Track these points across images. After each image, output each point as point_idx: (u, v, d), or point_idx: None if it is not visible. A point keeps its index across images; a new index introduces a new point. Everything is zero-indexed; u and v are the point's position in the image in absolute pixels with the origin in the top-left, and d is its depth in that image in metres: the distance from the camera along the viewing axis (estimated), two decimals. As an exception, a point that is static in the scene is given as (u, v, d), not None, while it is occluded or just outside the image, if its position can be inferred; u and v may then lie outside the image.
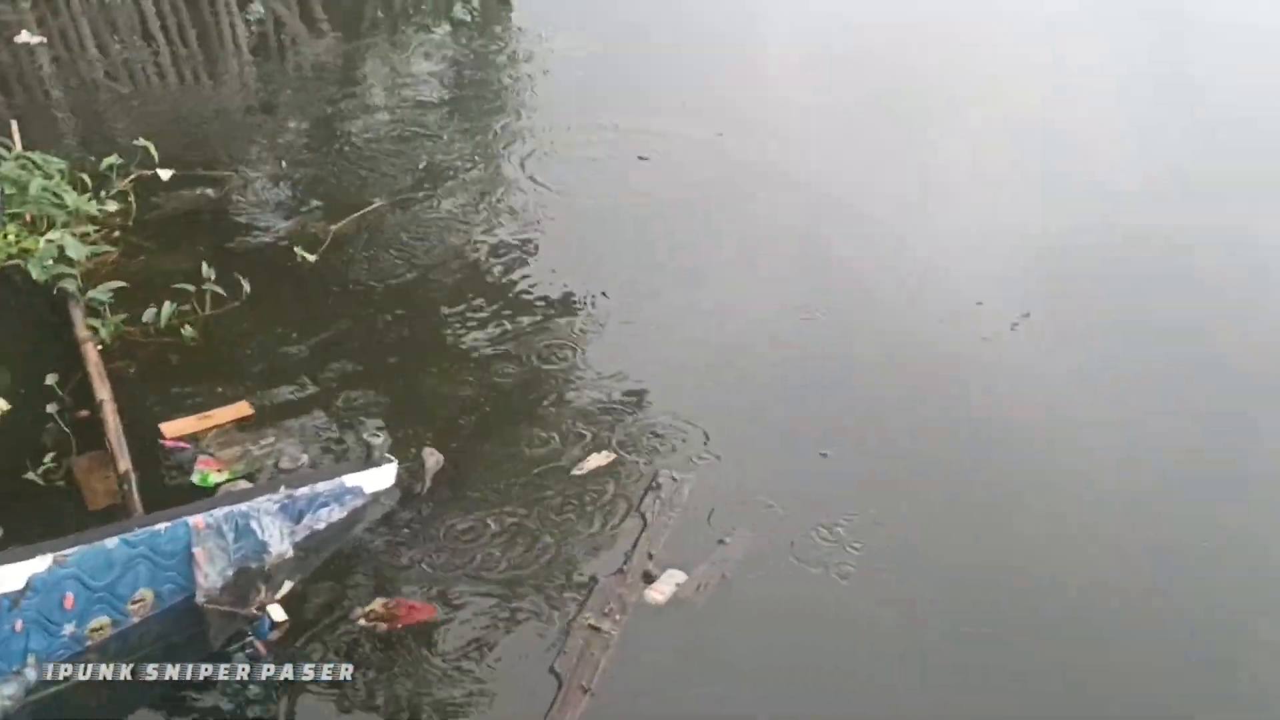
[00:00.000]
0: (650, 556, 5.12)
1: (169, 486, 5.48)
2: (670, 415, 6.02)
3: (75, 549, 4.37)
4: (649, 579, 5.02)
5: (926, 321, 6.97)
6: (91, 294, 6.46)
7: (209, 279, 6.56)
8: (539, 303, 6.93)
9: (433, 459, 5.55)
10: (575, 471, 5.60)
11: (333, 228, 7.52)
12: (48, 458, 5.48)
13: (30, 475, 5.39)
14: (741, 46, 11.08)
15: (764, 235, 7.85)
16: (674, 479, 5.56)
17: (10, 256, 6.70)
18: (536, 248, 7.50)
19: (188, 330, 6.44)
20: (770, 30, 11.52)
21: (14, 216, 7.00)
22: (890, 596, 5.07)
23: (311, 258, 7.18)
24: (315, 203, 7.86)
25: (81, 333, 6.23)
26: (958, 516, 5.53)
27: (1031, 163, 9.07)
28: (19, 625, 4.22)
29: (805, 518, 5.41)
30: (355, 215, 7.71)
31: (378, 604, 4.86)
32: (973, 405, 6.31)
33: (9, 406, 5.88)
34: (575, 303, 6.94)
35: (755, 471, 5.69)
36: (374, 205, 7.85)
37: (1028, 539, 5.46)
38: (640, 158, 8.65)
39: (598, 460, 5.64)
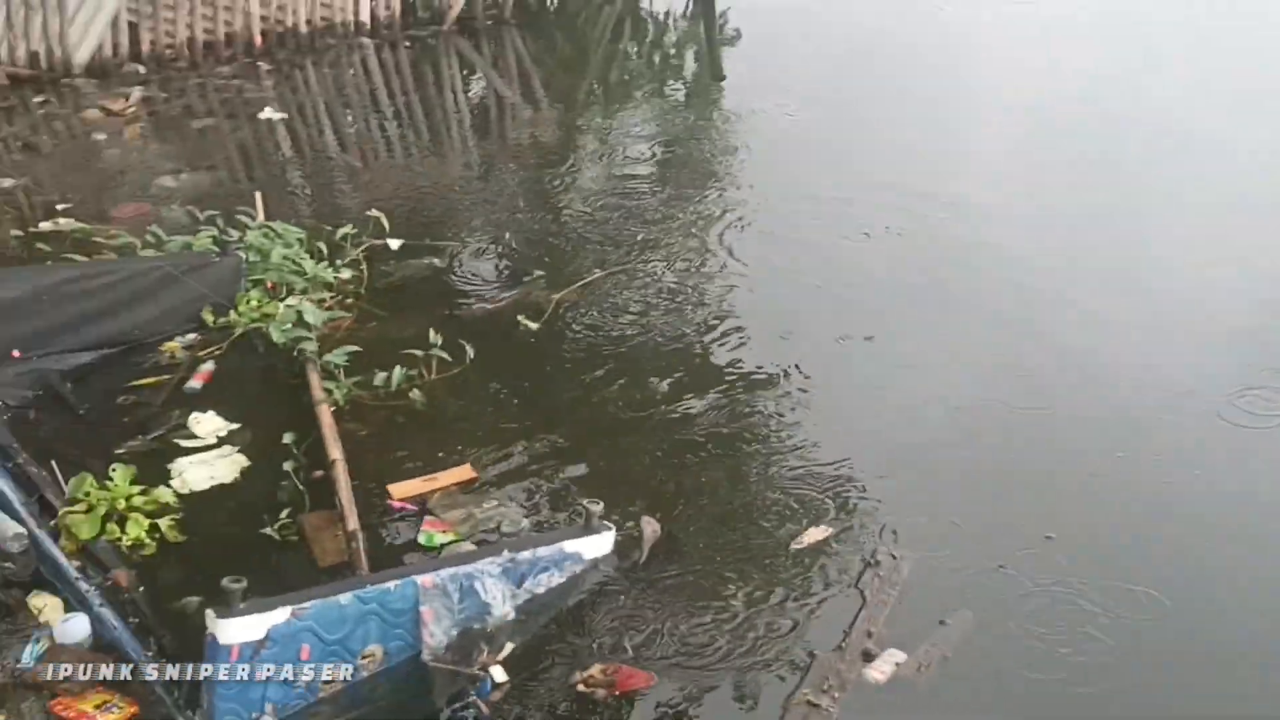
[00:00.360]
0: (869, 634, 5.07)
1: (394, 546, 5.66)
2: (886, 493, 5.97)
3: (312, 603, 4.52)
4: (868, 657, 4.96)
5: (1139, 407, 6.78)
6: (327, 358, 6.73)
7: (436, 345, 6.78)
8: (749, 376, 6.97)
9: (650, 528, 5.61)
10: (793, 545, 5.59)
11: (555, 297, 7.71)
12: (283, 513, 5.71)
13: (267, 530, 5.62)
14: (949, 121, 11.04)
15: (970, 314, 7.77)
16: (893, 556, 5.50)
17: (253, 321, 7.05)
18: (743, 320, 7.56)
19: (415, 394, 6.65)
20: (978, 105, 11.47)
21: (256, 283, 7.37)
22: (1116, 685, 4.92)
23: (535, 326, 7.36)
24: (538, 272, 8.06)
25: (317, 395, 6.49)
26: (1183, 605, 5.34)
27: (1244, 239, 8.80)
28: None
29: (1028, 602, 5.29)
30: (576, 285, 7.88)
31: (596, 669, 4.91)
32: (1193, 491, 6.11)
33: (249, 463, 6.15)
34: (785, 377, 6.95)
35: (976, 553, 5.59)
36: (593, 276, 8.02)
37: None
38: (864, 232, 8.64)
39: (815, 534, 5.62)
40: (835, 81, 12.05)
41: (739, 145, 10.53)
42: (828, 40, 13.21)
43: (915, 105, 11.49)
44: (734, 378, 6.94)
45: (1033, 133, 10.99)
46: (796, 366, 7.03)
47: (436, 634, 4.78)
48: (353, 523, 5.53)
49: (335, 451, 5.99)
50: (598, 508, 5.31)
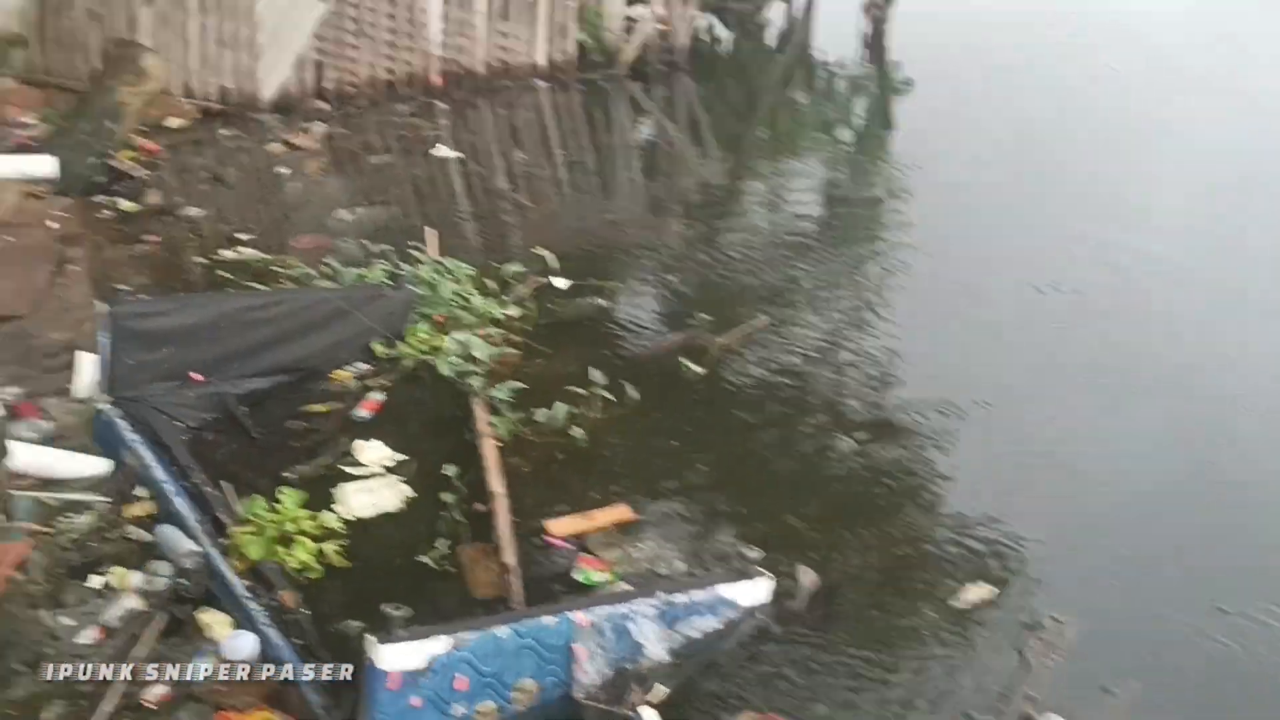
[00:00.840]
0: (1030, 699, 4.95)
1: (549, 582, 5.71)
2: (1050, 556, 5.85)
3: (471, 634, 4.59)
4: (1027, 722, 4.86)
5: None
6: (493, 392, 6.83)
7: (600, 385, 6.84)
8: (910, 430, 6.90)
9: (808, 578, 5.57)
10: (953, 603, 5.50)
11: (719, 341, 7.72)
12: (441, 544, 5.81)
13: (423, 558, 5.72)
14: (1128, 169, 10.80)
15: (1144, 382, 7.59)
16: (1057, 621, 5.37)
17: (422, 354, 7.20)
18: (905, 373, 7.49)
19: (577, 432, 6.72)
20: (1161, 154, 11.20)
21: (426, 317, 7.53)
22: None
23: (698, 369, 7.39)
24: (703, 316, 8.08)
25: (482, 428, 6.59)
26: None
27: None
28: (417, 701, 4.46)
29: (1197, 674, 5.12)
30: (740, 331, 7.89)
31: (746, 716, 4.88)
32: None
33: (412, 493, 6.26)
34: (946, 433, 6.86)
35: (1143, 623, 5.44)
36: (757, 322, 8.02)
37: None
38: (1035, 288, 8.49)
39: (977, 593, 5.53)
40: (1007, 132, 11.84)
41: (908, 194, 10.44)
42: (1001, 90, 13.01)
43: (1092, 153, 11.26)
44: (894, 431, 6.88)
45: (1226, 183, 10.66)
46: (958, 421, 6.93)
47: (590, 672, 4.81)
48: (510, 557, 5.61)
49: (497, 486, 6.08)
50: (755, 554, 5.30)
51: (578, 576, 5.66)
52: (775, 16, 16.71)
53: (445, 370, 7.03)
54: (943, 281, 8.68)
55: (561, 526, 6.01)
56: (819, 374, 7.48)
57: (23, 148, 10.27)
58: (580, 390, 6.85)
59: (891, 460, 6.59)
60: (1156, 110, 12.70)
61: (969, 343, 7.94)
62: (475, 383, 6.94)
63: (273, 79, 12.10)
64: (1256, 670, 5.18)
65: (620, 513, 6.11)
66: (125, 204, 9.77)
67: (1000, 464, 6.66)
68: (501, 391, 6.83)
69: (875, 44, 14.35)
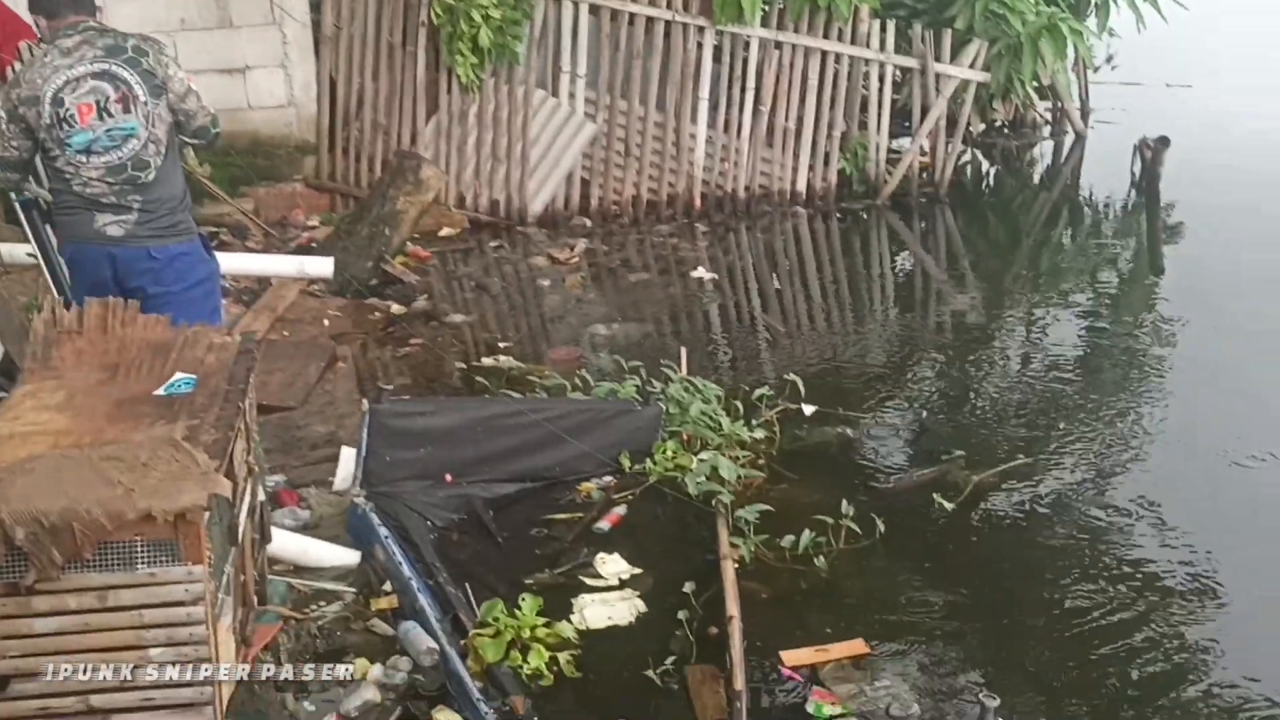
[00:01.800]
0: None
1: (778, 712, 5.61)
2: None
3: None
4: None
5: None
6: (739, 513, 6.81)
7: (848, 515, 6.75)
8: (1166, 584, 6.57)
9: (1046, 732, 5.35)
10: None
11: (975, 478, 7.56)
12: (668, 660, 5.78)
13: (649, 673, 5.70)
14: None
15: None
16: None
17: (667, 471, 7.25)
18: (1164, 526, 7.14)
19: (820, 561, 6.63)
20: None
21: (673, 434, 7.60)
22: None
23: (950, 506, 7.23)
24: (958, 452, 7.93)
25: (724, 549, 6.56)
26: None
27: None
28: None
29: None
30: (997, 470, 7.71)
31: None
32: None
33: (646, 609, 6.27)
34: (1205, 591, 6.51)
35: None
36: (1015, 462, 7.82)
37: None
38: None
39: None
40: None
41: (1173, 348, 10.04)
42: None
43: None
44: (1156, 586, 6.55)
45: None
46: (1233, 588, 6.55)
47: (815, 809, 4.71)
48: (740, 682, 5.54)
49: (733, 608, 6.03)
50: (995, 704, 5.10)
51: (809, 708, 5.54)
52: (1043, 153, 16.54)
53: (693, 489, 7.04)
54: (1202, 433, 8.28)
55: (796, 657, 5.91)
56: (1076, 520, 7.20)
57: (304, 248, 10.91)
58: (828, 519, 6.76)
59: (1149, 617, 6.27)
60: None
61: (1238, 497, 7.52)
62: (726, 500, 6.92)
63: (541, 195, 12.57)
64: None
65: (856, 647, 5.98)
66: (395, 307, 10.23)
67: (1260, 639, 6.24)
68: (748, 513, 6.79)
69: (1147, 185, 13.97)
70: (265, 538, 5.56)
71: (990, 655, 6.04)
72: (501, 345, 9.59)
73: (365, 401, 6.91)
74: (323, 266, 9.37)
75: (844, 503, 6.79)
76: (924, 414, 8.67)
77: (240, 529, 4.83)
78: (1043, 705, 5.61)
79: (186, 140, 6.47)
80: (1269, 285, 11.19)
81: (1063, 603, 6.43)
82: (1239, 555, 6.86)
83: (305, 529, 6.69)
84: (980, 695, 5.21)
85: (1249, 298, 10.90)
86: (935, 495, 7.30)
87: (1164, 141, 14.08)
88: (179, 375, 4.86)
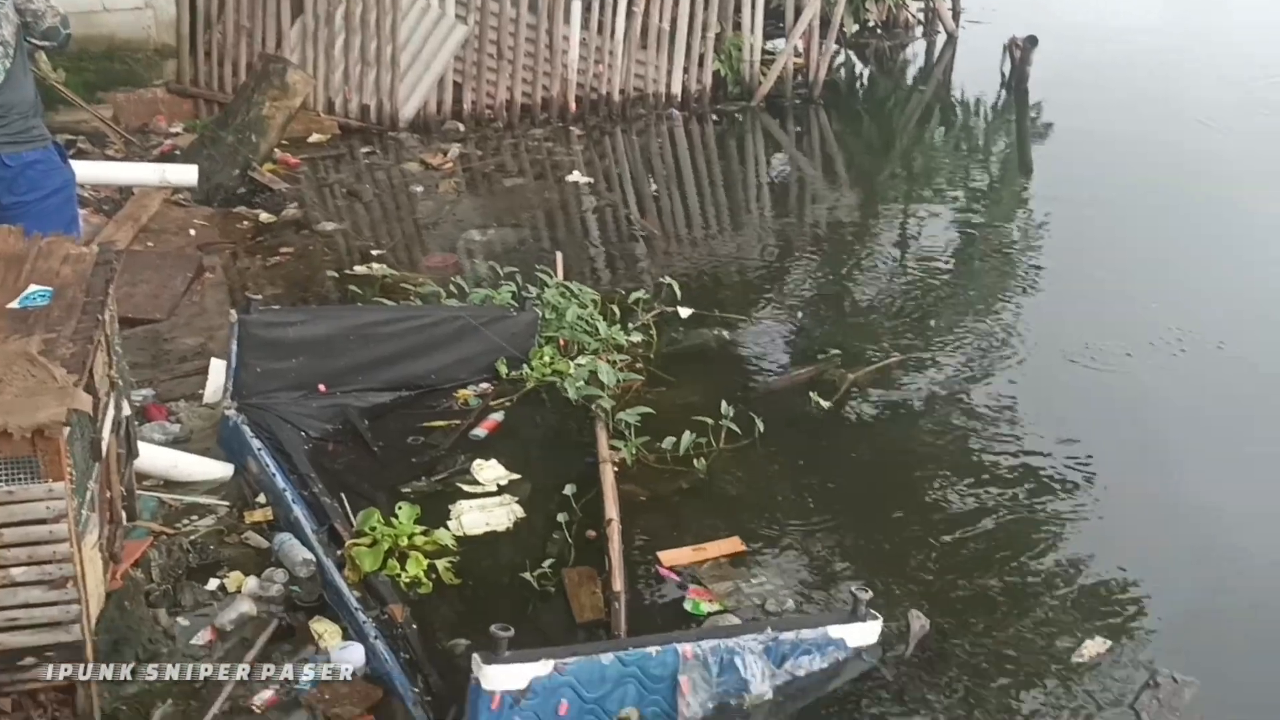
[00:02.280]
0: (1143, 759, 4.81)
1: (654, 611, 5.67)
2: (1175, 616, 5.65)
3: (574, 659, 4.56)
4: (1139, 783, 4.71)
5: None
6: (620, 416, 6.82)
7: (727, 416, 6.79)
8: (1036, 479, 6.73)
9: (918, 623, 5.46)
10: (1068, 656, 5.34)
11: (850, 376, 7.65)
12: (546, 564, 5.80)
13: (527, 576, 5.71)
14: (1258, 238, 10.36)
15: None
16: (1175, 680, 5.19)
17: (544, 376, 7.23)
18: (1033, 422, 7.30)
19: (699, 463, 6.67)
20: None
21: (550, 340, 7.56)
22: None
23: (826, 405, 7.31)
24: (833, 351, 8.01)
25: (604, 453, 6.57)
26: None
27: None
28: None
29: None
30: (873, 368, 7.82)
31: (849, 760, 4.81)
32: None
33: (524, 514, 6.27)
34: (1073, 485, 6.69)
35: (1267, 689, 5.23)
36: (890, 360, 7.93)
37: None
38: (1181, 349, 8.24)
39: (1093, 648, 5.37)
40: (1154, 187, 11.51)
41: (1041, 244, 10.24)
42: (1151, 142, 12.69)
43: (1248, 192, 10.90)
44: (1019, 479, 6.72)
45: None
46: (1086, 474, 6.74)
47: (693, 705, 4.75)
48: (619, 584, 5.58)
49: (612, 511, 6.06)
50: (867, 595, 5.19)
51: (687, 606, 5.61)
52: (916, 53, 16.63)
53: (573, 393, 7.02)
54: (1073, 327, 8.46)
55: (673, 558, 5.96)
56: (942, 417, 7.33)
57: (167, 156, 10.60)
58: (709, 420, 6.80)
59: (1015, 506, 6.44)
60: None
61: (1102, 388, 7.70)
62: (606, 405, 6.92)
63: (413, 100, 12.32)
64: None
65: (732, 545, 6.05)
66: (264, 216, 10.01)
67: (1132, 518, 6.44)
68: (629, 416, 6.80)
69: (1016, 84, 14.16)
70: (132, 453, 5.44)
71: (863, 549, 6.16)
72: (375, 253, 9.45)
73: (234, 312, 6.75)
74: (186, 174, 9.12)
75: (723, 404, 6.84)
76: (800, 315, 8.74)
77: (104, 444, 4.72)
78: (915, 595, 5.74)
79: (35, 43, 6.21)
80: (1134, 183, 11.44)
81: (932, 496, 6.57)
82: (1099, 448, 7.05)
83: (175, 443, 6.55)
84: (853, 589, 5.29)
85: (1115, 195, 11.13)
86: (812, 394, 7.38)
87: (1032, 41, 14.25)
88: (33, 288, 4.69)
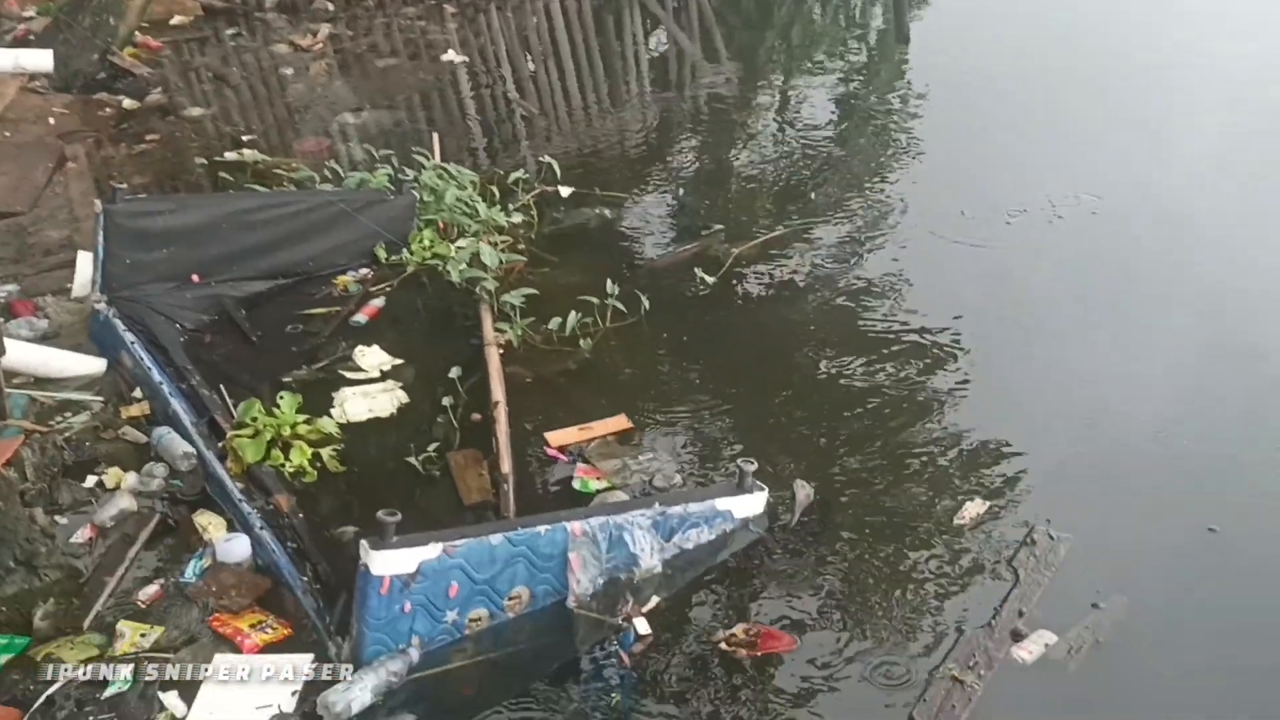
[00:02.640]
0: (1020, 614, 4.94)
1: (543, 492, 5.69)
2: (1045, 473, 5.80)
3: (463, 541, 4.56)
4: (1017, 637, 4.84)
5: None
6: (505, 298, 6.76)
7: (613, 295, 6.76)
8: (918, 349, 6.81)
9: (803, 491, 5.54)
10: (949, 519, 5.47)
11: (734, 251, 7.65)
12: (431, 447, 5.76)
13: (411, 460, 5.68)
14: (1141, 112, 10.49)
15: (1153, 305, 7.41)
16: (1050, 536, 5.35)
17: (424, 260, 7.13)
18: (915, 291, 7.38)
19: (585, 343, 6.66)
20: (1163, 81, 10.94)
21: (429, 223, 7.45)
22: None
23: (711, 280, 7.31)
24: (717, 226, 8.00)
25: (489, 335, 6.53)
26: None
27: None
28: (408, 607, 4.45)
29: (1183, 592, 5.11)
30: (757, 241, 7.82)
31: (739, 629, 4.87)
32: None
33: (408, 399, 6.22)
34: (954, 353, 6.78)
35: (1135, 539, 5.41)
36: (774, 233, 7.93)
37: None
38: (1058, 214, 8.34)
39: (974, 510, 5.49)
40: (1029, 52, 11.59)
41: (919, 111, 10.28)
42: (1027, 10, 12.75)
43: (1119, 80, 11.00)
44: (902, 349, 6.79)
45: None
46: (969, 342, 6.83)
47: (583, 581, 4.79)
48: (506, 466, 5.58)
49: (499, 394, 6.04)
50: (752, 467, 5.26)
51: (576, 485, 5.63)
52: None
53: (456, 276, 6.94)
54: (954, 197, 8.52)
55: (561, 438, 5.96)
56: (826, 289, 7.38)
57: (21, 41, 10.17)
58: (594, 299, 6.77)
59: (898, 379, 6.52)
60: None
61: (983, 260, 7.78)
62: (490, 287, 6.85)
63: (280, -23, 11.96)
64: (1234, 588, 5.16)
65: (619, 423, 6.06)
66: (127, 102, 9.69)
67: (1011, 386, 6.55)
68: (514, 297, 6.74)
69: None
70: (-1, 350, 5.29)
71: (749, 424, 6.21)
72: (245, 138, 9.21)
73: (99, 203, 6.52)
74: (41, 59, 8.78)
75: (609, 283, 6.80)
76: (682, 191, 8.70)
77: (-33, 342, 4.57)
78: (800, 468, 5.81)
79: None
80: (1009, 54, 11.49)
81: (816, 371, 6.63)
82: (978, 319, 7.14)
83: (44, 339, 6.39)
84: (739, 461, 5.35)
85: (991, 65, 11.18)
86: (697, 270, 7.37)
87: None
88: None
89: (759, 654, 4.79)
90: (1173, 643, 4.91)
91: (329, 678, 4.43)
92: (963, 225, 8.18)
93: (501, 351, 6.44)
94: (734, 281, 7.41)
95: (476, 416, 6.01)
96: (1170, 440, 6.09)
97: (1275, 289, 7.51)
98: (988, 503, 5.57)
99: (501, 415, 5.89)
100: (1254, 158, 9.25)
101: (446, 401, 6.04)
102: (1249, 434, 6.18)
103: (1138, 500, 5.69)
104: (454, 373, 6.20)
